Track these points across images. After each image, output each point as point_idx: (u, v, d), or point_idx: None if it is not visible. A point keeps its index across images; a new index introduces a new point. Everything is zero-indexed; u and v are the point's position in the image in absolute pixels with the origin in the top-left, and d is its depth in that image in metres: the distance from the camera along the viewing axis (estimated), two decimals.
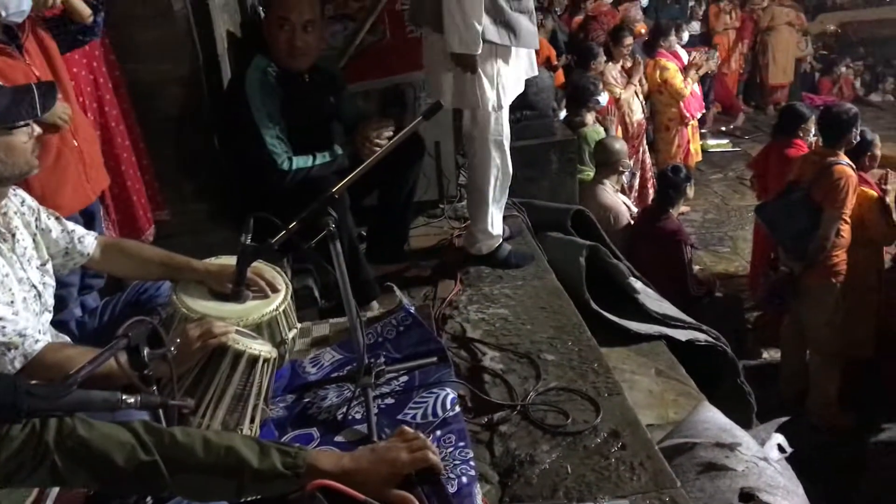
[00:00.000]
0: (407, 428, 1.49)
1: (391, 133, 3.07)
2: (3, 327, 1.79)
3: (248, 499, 1.38)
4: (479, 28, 2.93)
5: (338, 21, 3.82)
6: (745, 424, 3.02)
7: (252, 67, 2.93)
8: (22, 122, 1.84)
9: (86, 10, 2.59)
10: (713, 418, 2.69)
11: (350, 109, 3.35)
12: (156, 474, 1.32)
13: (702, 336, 3.64)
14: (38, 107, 1.84)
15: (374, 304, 3.07)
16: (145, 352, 1.43)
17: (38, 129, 1.92)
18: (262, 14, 3.14)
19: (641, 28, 8.73)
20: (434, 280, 3.41)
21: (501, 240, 3.49)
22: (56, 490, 1.61)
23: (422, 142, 3.42)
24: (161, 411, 1.47)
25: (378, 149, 2.77)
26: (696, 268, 5.29)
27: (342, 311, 3.04)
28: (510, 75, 3.19)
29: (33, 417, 1.22)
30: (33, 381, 1.12)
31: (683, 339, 3.56)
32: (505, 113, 3.26)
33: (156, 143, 3.08)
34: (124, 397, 1.20)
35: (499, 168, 3.33)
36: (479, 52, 2.98)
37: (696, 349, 3.58)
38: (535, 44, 3.22)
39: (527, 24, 3.11)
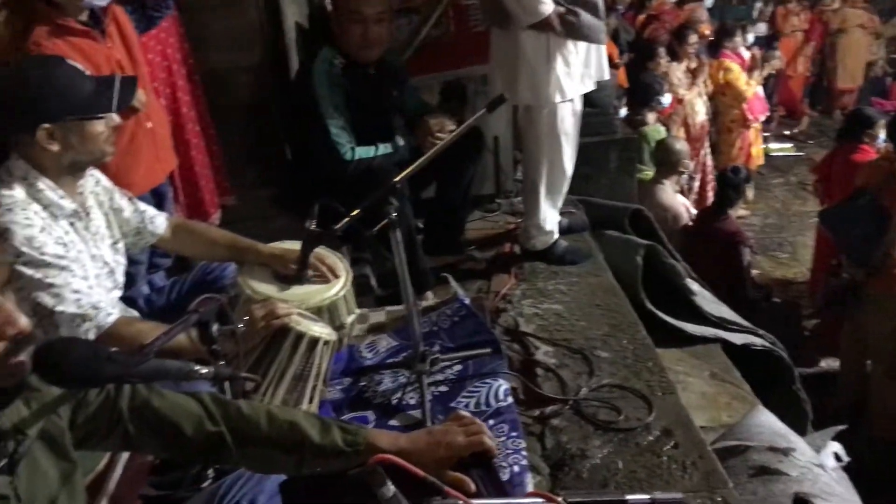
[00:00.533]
0: (463, 412, 1.52)
1: (453, 127, 3.10)
2: (79, 300, 1.87)
3: (308, 472, 1.42)
4: None
5: (403, 15, 3.86)
6: (800, 432, 2.96)
7: (319, 59, 2.99)
8: (98, 115, 1.91)
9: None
10: (768, 422, 2.66)
11: (412, 102, 3.39)
12: (222, 445, 1.37)
13: (758, 340, 3.60)
14: (116, 102, 1.92)
15: (429, 294, 3.11)
16: (214, 327, 1.49)
17: (116, 120, 1.99)
18: (330, 7, 3.20)
19: (706, 29, 8.59)
20: (488, 273, 3.43)
21: (557, 236, 3.49)
22: (124, 458, 1.68)
23: (481, 136, 3.44)
24: (227, 385, 1.53)
25: (439, 142, 2.81)
26: (754, 272, 5.20)
27: (398, 299, 3.09)
28: (570, 71, 3.17)
29: (111, 383, 1.28)
30: (113, 349, 1.18)
31: (739, 342, 3.52)
32: (565, 110, 3.23)
33: (224, 129, 3.17)
34: (197, 367, 1.25)
35: (551, 163, 3.33)
36: (550, 10, 2.98)
37: (752, 354, 3.53)
38: (599, 39, 3.17)
39: (588, 19, 3.10)
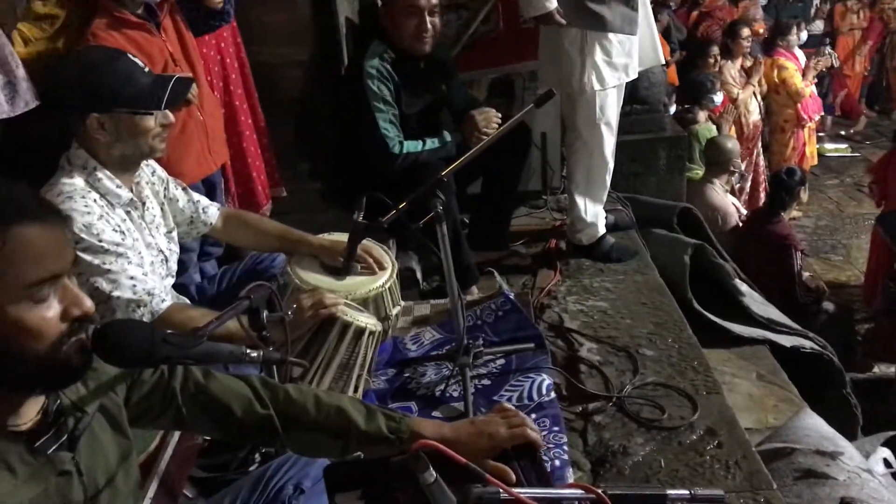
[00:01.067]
0: (506, 404, 1.53)
1: (499, 122, 3.12)
2: (134, 286, 1.93)
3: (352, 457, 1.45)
4: None
5: (452, 10, 3.88)
6: (849, 437, 2.92)
7: (370, 53, 3.03)
8: (144, 111, 1.96)
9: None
10: (815, 425, 2.62)
11: (460, 97, 3.41)
12: (270, 428, 1.40)
13: (807, 343, 3.54)
14: (165, 101, 1.96)
15: (474, 289, 3.12)
16: (264, 314, 1.52)
17: (170, 118, 2.03)
18: (381, 1, 3.23)
19: (760, 27, 8.45)
20: (533, 269, 3.44)
21: (603, 232, 3.49)
22: (175, 439, 1.73)
23: (529, 132, 3.45)
24: (276, 370, 1.57)
25: (485, 137, 2.82)
26: (805, 274, 5.11)
27: (442, 293, 3.13)
28: (611, 60, 3.19)
29: (166, 364, 1.32)
30: (168, 331, 1.21)
31: (788, 344, 3.47)
32: (605, 99, 3.25)
33: (275, 123, 3.22)
34: (248, 351, 1.29)
35: (591, 153, 3.35)
36: (552, 7, 3.02)
37: (801, 356, 3.48)
38: (631, 30, 3.17)
39: (622, 11, 3.09)
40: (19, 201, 1.05)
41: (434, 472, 1.12)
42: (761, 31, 8.30)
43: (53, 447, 1.13)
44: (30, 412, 1.11)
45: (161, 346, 1.16)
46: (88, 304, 1.09)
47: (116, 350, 1.13)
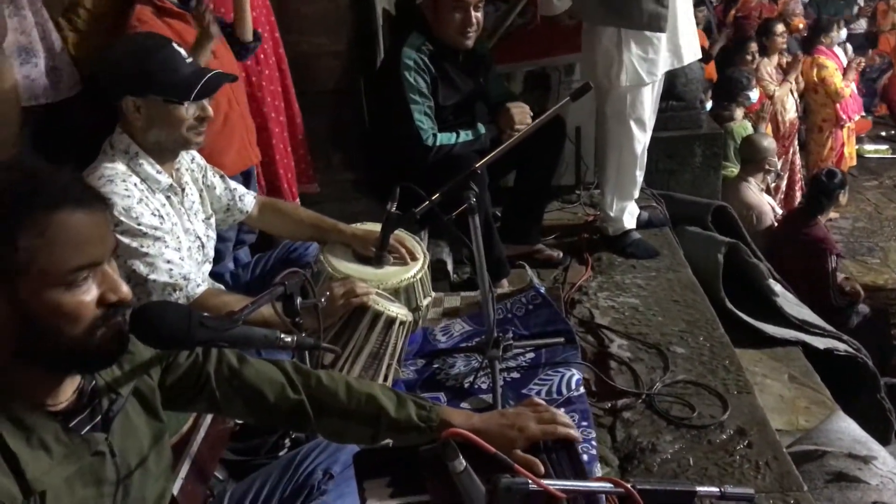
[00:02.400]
0: (537, 398, 1.53)
1: (534, 118, 3.12)
2: (171, 270, 1.96)
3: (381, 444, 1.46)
4: None
5: (489, 2, 3.87)
6: (883, 442, 2.87)
7: (408, 44, 3.03)
8: (177, 101, 1.98)
9: (249, 30, 2.75)
10: (847, 429, 2.58)
11: (496, 90, 3.41)
12: (302, 413, 1.41)
13: (842, 346, 3.50)
14: (195, 94, 1.98)
15: (505, 282, 3.13)
16: (298, 301, 1.54)
17: (208, 111, 2.05)
18: None
19: (800, 23, 8.31)
20: (564, 264, 3.43)
21: (629, 227, 3.50)
22: (207, 423, 1.75)
23: (563, 126, 3.44)
24: (308, 356, 1.58)
25: (520, 130, 2.82)
26: (840, 276, 5.03)
27: (472, 285, 3.14)
28: (646, 56, 3.19)
29: (202, 346, 1.34)
30: (204, 314, 1.23)
31: (822, 346, 3.43)
32: (636, 95, 3.26)
33: (310, 113, 3.22)
34: (282, 336, 1.30)
35: (621, 147, 3.36)
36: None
37: (835, 359, 3.43)
38: (657, 26, 3.13)
39: (651, 8, 3.08)
40: (64, 187, 1.07)
41: (464, 461, 1.13)
42: (801, 26, 8.16)
43: (87, 427, 1.15)
44: (66, 392, 1.14)
45: (197, 328, 1.18)
46: (125, 290, 1.10)
47: (153, 330, 1.15)
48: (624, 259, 3.41)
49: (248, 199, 2.39)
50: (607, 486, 1.24)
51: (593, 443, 2.04)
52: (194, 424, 1.69)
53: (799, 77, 7.10)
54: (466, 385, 2.34)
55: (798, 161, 6.99)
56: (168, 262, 1.96)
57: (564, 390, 2.27)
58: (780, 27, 6.92)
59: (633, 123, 3.30)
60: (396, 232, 2.36)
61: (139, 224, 1.93)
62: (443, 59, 3.09)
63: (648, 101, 3.30)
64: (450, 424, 1.37)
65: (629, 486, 1.22)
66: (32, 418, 1.07)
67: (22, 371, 1.07)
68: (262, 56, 3.02)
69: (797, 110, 6.99)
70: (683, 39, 3.27)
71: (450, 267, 3.29)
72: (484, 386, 2.32)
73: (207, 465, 1.68)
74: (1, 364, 1.06)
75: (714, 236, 3.86)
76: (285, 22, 3.10)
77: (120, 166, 1.98)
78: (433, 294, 2.51)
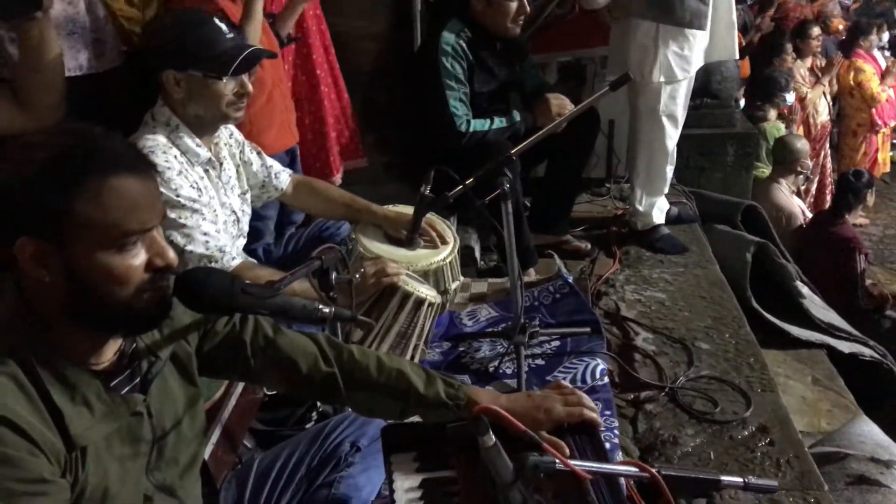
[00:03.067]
0: (563, 382, 1.54)
1: (572, 107, 3.12)
2: (207, 241, 2.00)
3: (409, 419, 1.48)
4: None
5: None
6: None
7: (447, 30, 3.05)
8: (213, 75, 2.00)
9: (288, 29, 2.78)
10: (870, 433, 2.58)
11: (531, 79, 3.41)
12: (333, 385, 1.43)
13: (867, 351, 3.48)
14: (233, 69, 2.00)
15: (532, 270, 3.14)
16: (333, 276, 1.57)
17: (248, 87, 2.08)
18: None
19: (839, 24, 8.19)
20: (592, 256, 3.44)
21: (658, 222, 3.51)
22: (238, 391, 1.79)
23: (597, 119, 3.44)
24: (339, 330, 1.61)
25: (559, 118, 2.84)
26: (868, 282, 4.98)
27: (499, 273, 3.16)
28: (682, 53, 3.20)
29: (244, 312, 1.37)
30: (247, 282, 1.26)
31: (847, 350, 3.41)
32: (669, 91, 3.27)
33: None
34: (320, 307, 1.33)
35: (651, 143, 3.38)
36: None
37: (860, 364, 3.42)
38: (700, 25, 3.16)
39: (693, 5, 3.07)
40: (117, 153, 1.10)
41: (493, 436, 1.15)
42: (841, 27, 8.04)
43: (127, 388, 1.19)
44: (108, 353, 1.17)
45: (239, 294, 1.21)
46: (172, 255, 1.13)
47: (197, 295, 1.18)
48: (652, 253, 3.42)
49: (284, 177, 2.42)
50: (633, 469, 1.26)
51: (615, 431, 2.06)
52: (226, 392, 1.72)
53: (834, 80, 7.02)
54: (491, 369, 2.36)
55: (829, 164, 6.92)
56: (205, 234, 2.00)
57: (588, 379, 2.28)
58: (815, 30, 6.83)
59: (665, 119, 3.30)
60: (428, 215, 2.38)
61: (178, 196, 1.96)
62: (480, 47, 3.10)
63: (682, 98, 3.31)
64: (477, 403, 1.39)
65: (654, 470, 1.24)
66: (76, 376, 1.11)
67: (68, 330, 1.11)
68: (309, 39, 3.03)
69: (829, 113, 6.91)
70: (718, 37, 3.27)
71: (477, 254, 3.31)
72: (509, 371, 2.34)
73: (237, 433, 1.72)
74: (50, 322, 1.10)
75: (743, 235, 3.84)
76: (327, 4, 3.12)
77: (161, 138, 2.02)
78: (461, 278, 2.53)
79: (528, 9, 3.09)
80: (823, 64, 7.03)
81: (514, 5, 3.06)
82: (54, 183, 1.04)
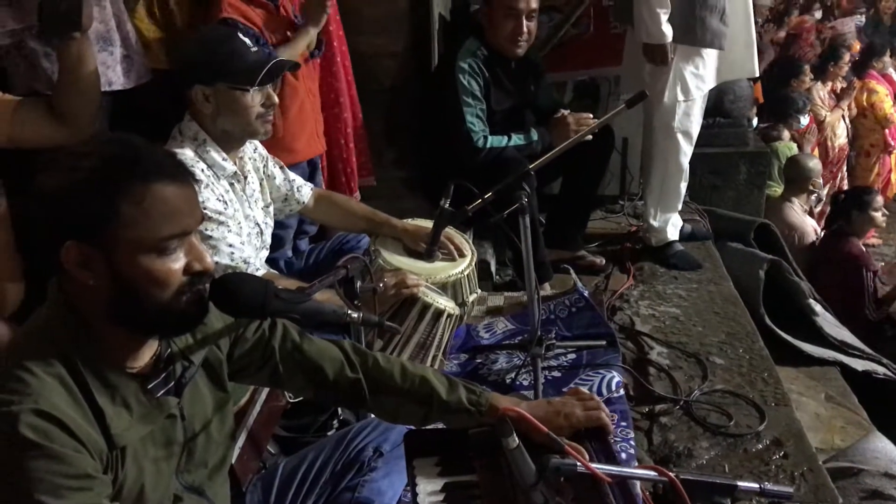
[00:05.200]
0: (582, 388, 1.58)
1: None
2: (232, 253, 2.05)
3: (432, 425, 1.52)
4: (664, 17, 3.01)
5: (544, 12, 3.93)
6: None
7: (464, 49, 3.12)
8: (242, 87, 2.06)
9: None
10: (884, 449, 2.58)
11: (546, 98, 3.47)
12: (358, 391, 1.47)
13: (881, 369, 3.49)
14: (259, 79, 2.06)
15: (547, 285, 3.17)
16: (358, 284, 1.61)
17: (274, 98, 2.14)
18: (481, 2, 3.32)
19: (854, 46, 8.23)
20: (606, 272, 3.48)
21: (672, 239, 3.55)
22: (263, 397, 1.83)
23: (612, 135, 3.49)
24: (362, 338, 1.65)
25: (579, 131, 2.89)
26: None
27: (514, 287, 3.20)
28: (697, 71, 3.24)
29: (274, 317, 1.41)
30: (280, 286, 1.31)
31: (860, 368, 3.42)
32: (684, 108, 3.30)
33: (365, 111, 3.31)
34: (349, 312, 1.37)
35: (666, 160, 3.41)
36: (668, 41, 3.08)
37: (873, 382, 3.42)
38: (718, 44, 3.19)
39: (714, 25, 3.11)
40: (159, 161, 1.15)
41: (517, 438, 1.19)
42: (856, 49, 8.08)
43: (162, 391, 1.23)
44: (145, 356, 1.22)
45: (272, 299, 1.25)
46: (209, 260, 1.18)
47: (232, 299, 1.22)
48: (666, 269, 3.45)
49: (306, 191, 2.48)
50: (652, 473, 1.29)
51: (632, 442, 2.09)
52: (251, 399, 1.77)
53: (851, 103, 7.05)
54: (508, 381, 2.40)
55: (846, 186, 6.93)
56: (230, 245, 2.05)
57: (604, 391, 2.31)
58: (847, 56, 6.86)
59: (680, 136, 3.34)
60: (447, 229, 2.43)
61: (204, 208, 2.00)
62: (496, 65, 3.17)
63: (697, 115, 3.35)
64: (498, 410, 1.42)
65: (672, 474, 1.27)
66: (116, 378, 1.15)
67: (110, 332, 1.16)
68: (330, 53, 3.09)
69: (847, 136, 6.93)
70: (736, 55, 3.31)
71: (493, 268, 3.35)
72: (525, 383, 2.37)
73: (262, 438, 1.76)
74: (92, 324, 1.14)
75: (756, 253, 3.87)
76: (346, 21, 3.18)
77: (188, 152, 2.07)
78: (479, 291, 2.57)
79: (525, 30, 3.11)
80: (842, 87, 7.06)
81: (510, 25, 3.11)
82: (100, 190, 1.08)
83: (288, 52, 2.50)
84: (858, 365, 3.44)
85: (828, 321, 3.71)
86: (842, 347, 3.52)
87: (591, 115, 3.23)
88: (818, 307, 3.72)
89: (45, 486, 1.00)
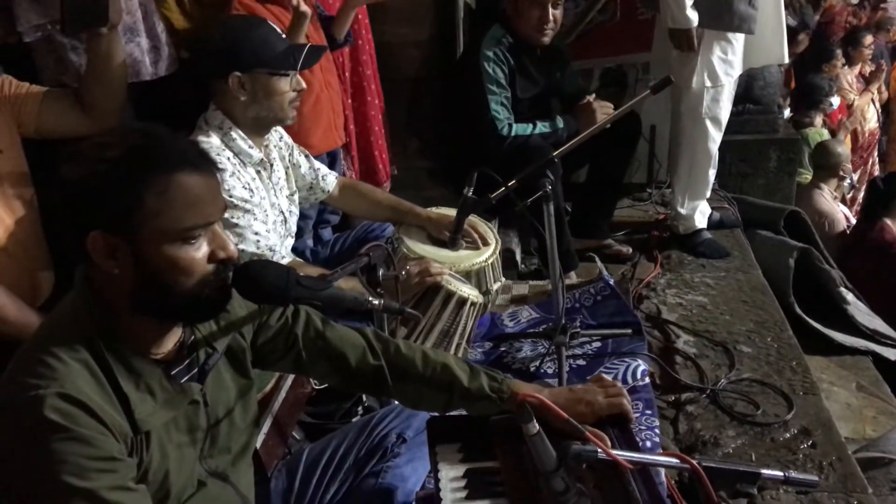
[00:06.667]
0: (604, 376, 1.58)
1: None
2: (258, 241, 2.07)
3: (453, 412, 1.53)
4: (689, 1, 2.99)
5: None
6: None
7: (489, 37, 3.11)
8: (283, 72, 2.09)
9: (345, 31, 2.86)
10: None
11: (572, 85, 3.45)
12: (380, 377, 1.49)
13: None
14: (300, 62, 2.09)
15: (573, 274, 3.16)
16: (380, 272, 1.62)
17: (303, 85, 2.17)
18: None
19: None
20: (633, 260, 3.45)
21: (700, 226, 3.51)
22: (288, 384, 1.84)
23: (639, 123, 3.47)
24: (385, 325, 1.66)
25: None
26: None
27: (539, 276, 3.19)
28: (725, 57, 3.20)
29: (297, 304, 1.43)
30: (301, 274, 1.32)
31: (893, 357, 3.36)
32: (713, 94, 3.26)
33: (389, 100, 3.32)
34: (371, 299, 1.38)
35: (694, 146, 3.38)
36: (694, 26, 3.04)
37: None
38: (750, 29, 3.14)
39: (743, 9, 3.06)
40: (183, 151, 1.16)
41: (537, 424, 1.19)
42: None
43: (186, 377, 1.25)
44: (169, 343, 1.24)
45: (295, 286, 1.26)
46: (233, 249, 1.19)
47: (255, 286, 1.23)
48: (694, 258, 3.42)
49: (330, 179, 2.49)
50: (674, 461, 1.29)
51: (657, 430, 2.07)
52: (276, 385, 1.78)
53: (882, 86, 6.92)
54: (532, 369, 2.40)
55: (877, 172, 6.81)
56: (256, 233, 2.07)
57: (630, 379, 2.30)
58: (868, 38, 6.74)
59: (708, 123, 3.30)
60: (470, 217, 2.43)
61: (231, 196, 2.03)
62: (521, 53, 3.15)
63: (725, 101, 3.30)
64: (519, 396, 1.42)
65: (694, 462, 1.26)
66: (140, 364, 1.17)
67: (134, 320, 1.17)
68: (360, 42, 3.11)
69: (878, 120, 6.81)
70: (765, 40, 3.26)
71: (518, 257, 3.35)
72: (550, 371, 2.37)
73: (287, 424, 1.78)
74: (117, 312, 1.16)
75: (786, 241, 3.81)
76: (371, 12, 3.19)
77: (215, 140, 2.10)
78: (503, 280, 2.57)
79: (550, 18, 3.09)
80: (871, 70, 6.93)
81: (535, 13, 3.09)
82: (126, 179, 1.10)
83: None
84: (891, 354, 3.39)
85: (860, 310, 3.65)
86: (874, 336, 3.46)
87: (612, 105, 3.20)
88: (850, 295, 3.66)
89: (71, 468, 1.02)
